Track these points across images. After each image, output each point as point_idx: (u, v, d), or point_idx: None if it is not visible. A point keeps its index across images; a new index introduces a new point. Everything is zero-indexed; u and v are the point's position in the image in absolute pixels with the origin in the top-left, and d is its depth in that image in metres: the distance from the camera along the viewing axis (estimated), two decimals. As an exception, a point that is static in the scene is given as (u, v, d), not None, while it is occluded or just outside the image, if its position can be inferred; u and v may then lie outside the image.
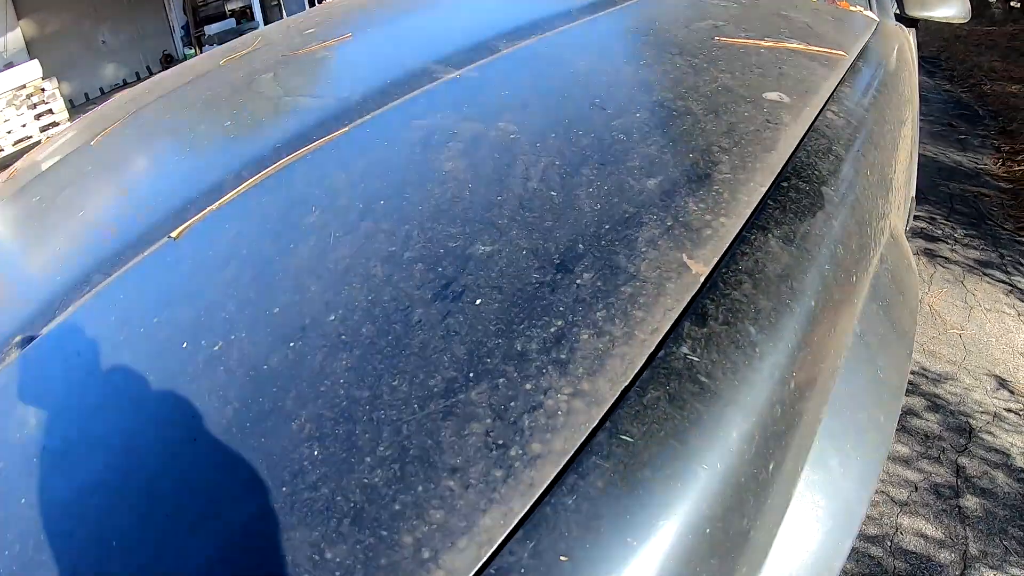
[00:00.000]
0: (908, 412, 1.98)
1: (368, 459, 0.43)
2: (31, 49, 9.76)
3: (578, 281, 0.52)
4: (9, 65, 9.32)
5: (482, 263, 0.55)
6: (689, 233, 0.57)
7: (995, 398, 2.12)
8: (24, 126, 7.46)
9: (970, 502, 1.73)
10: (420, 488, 0.41)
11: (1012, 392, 2.15)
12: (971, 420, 2.01)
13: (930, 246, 3.06)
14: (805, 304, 0.54)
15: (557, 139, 0.71)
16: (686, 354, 0.47)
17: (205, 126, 1.02)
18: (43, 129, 7.56)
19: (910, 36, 1.61)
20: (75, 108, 8.45)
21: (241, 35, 8.27)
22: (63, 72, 9.34)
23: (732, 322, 0.50)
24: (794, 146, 0.70)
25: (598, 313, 0.49)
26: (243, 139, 0.90)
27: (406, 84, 0.91)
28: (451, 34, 1.14)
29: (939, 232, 3.20)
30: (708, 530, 0.41)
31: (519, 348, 0.48)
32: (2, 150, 7.20)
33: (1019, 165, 4.34)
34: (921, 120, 5.12)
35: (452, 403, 0.44)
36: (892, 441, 0.67)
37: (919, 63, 6.13)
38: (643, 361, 0.47)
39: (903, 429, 1.93)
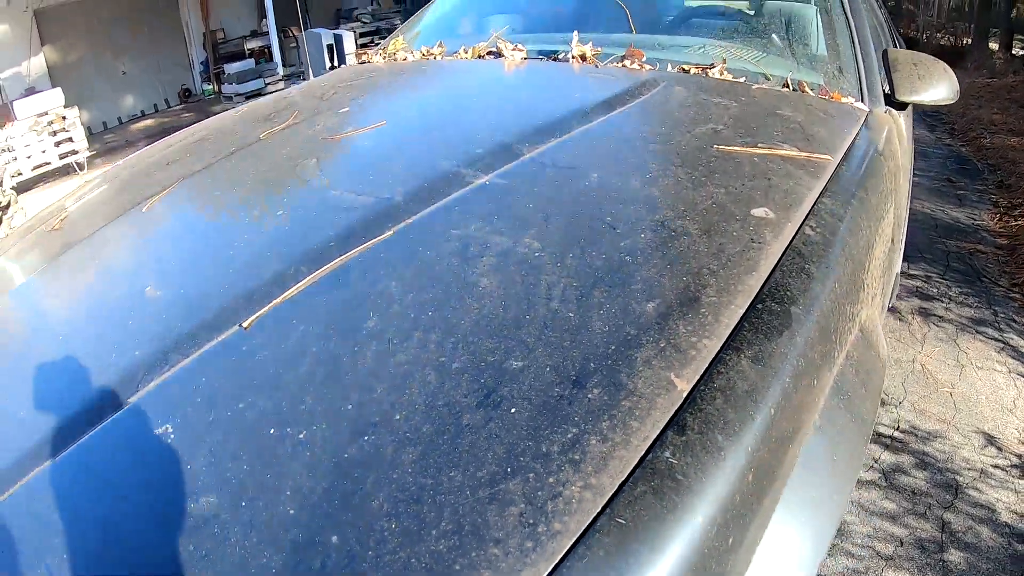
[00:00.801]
0: (896, 469, 2.07)
1: (433, 532, 0.55)
2: (53, 75, 9.97)
3: (589, 396, 0.65)
4: (31, 90, 9.55)
5: (516, 377, 0.68)
6: (678, 354, 0.70)
7: (983, 455, 2.21)
8: (44, 152, 7.61)
9: (954, 556, 1.81)
10: (473, 554, 0.54)
11: (1000, 449, 2.24)
12: (958, 477, 2.09)
13: (925, 305, 3.16)
14: (766, 413, 0.67)
15: (574, 259, 0.84)
16: (667, 457, 0.61)
17: (258, 212, 1.13)
18: (62, 156, 7.72)
19: (900, 119, 1.75)
20: (93, 135, 8.64)
21: (260, 76, 8.45)
22: (83, 100, 9.55)
23: (704, 432, 0.63)
24: (772, 267, 0.83)
25: (604, 423, 0.62)
26: (297, 232, 1.02)
27: (441, 188, 1.04)
28: (477, 132, 1.27)
29: (935, 291, 3.32)
30: None
31: (544, 449, 0.61)
32: (21, 174, 7.35)
33: (1016, 220, 4.48)
34: (920, 176, 5.27)
35: (495, 491, 0.57)
36: (846, 509, 0.80)
37: (919, 117, 6.25)
38: (636, 462, 0.60)
39: (891, 486, 2.01)
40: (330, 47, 6.44)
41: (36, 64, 9.81)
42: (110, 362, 0.89)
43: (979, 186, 5.30)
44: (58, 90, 7.99)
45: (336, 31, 7.51)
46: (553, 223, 0.92)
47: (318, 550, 0.56)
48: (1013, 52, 13.42)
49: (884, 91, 1.64)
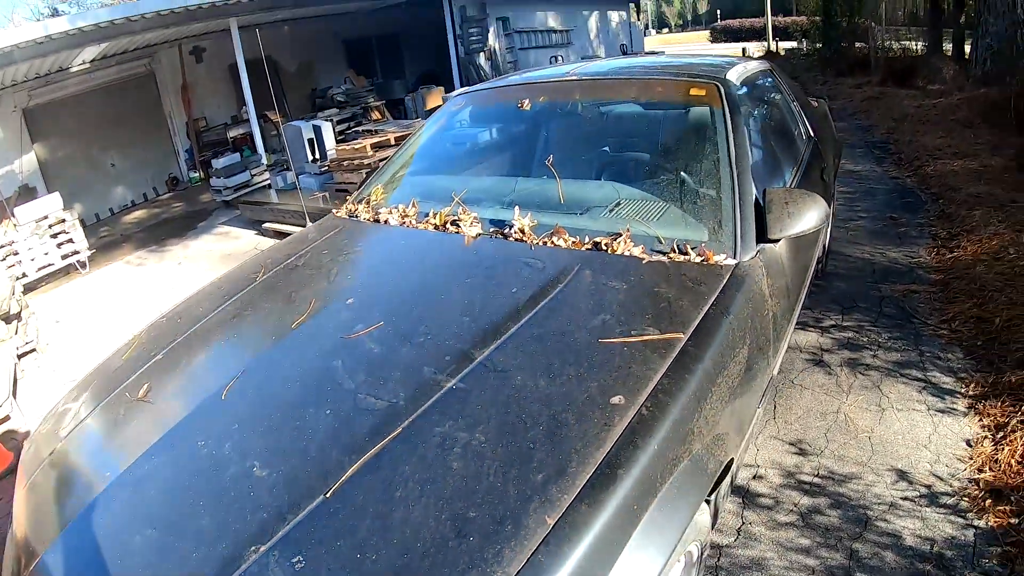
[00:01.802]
0: (813, 511, 2.53)
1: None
2: (44, 171, 10.51)
3: (502, 517, 1.26)
4: (24, 187, 10.11)
5: (470, 515, 1.28)
6: (548, 504, 1.28)
7: (893, 489, 2.60)
8: (47, 254, 8.01)
9: None
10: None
11: (910, 482, 2.63)
12: (868, 511, 2.51)
13: (854, 355, 3.57)
14: (593, 535, 1.26)
15: (501, 445, 1.43)
16: (540, 559, 1.19)
17: (312, 408, 1.69)
18: (64, 257, 8.13)
19: (776, 248, 2.28)
20: (88, 228, 9.07)
21: (246, 168, 8.99)
22: (75, 194, 10.07)
23: (557, 546, 1.22)
24: (613, 442, 1.40)
25: (507, 533, 1.24)
26: (344, 427, 1.60)
27: (426, 392, 1.62)
28: (446, 336, 1.84)
29: (865, 339, 3.72)
30: None
31: (470, 532, 1.20)
32: (26, 275, 7.76)
33: (951, 251, 4.79)
34: (863, 218, 5.79)
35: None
36: None
37: (867, 152, 6.73)
38: (525, 559, 1.20)
39: (807, 525, 2.47)
40: (311, 140, 7.03)
41: (27, 161, 10.37)
42: (216, 535, 1.42)
43: (920, 219, 5.65)
44: (56, 195, 8.47)
45: (315, 122, 8.08)
46: (492, 420, 1.50)
47: None
48: (964, 57, 14.03)
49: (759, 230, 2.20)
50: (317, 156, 7.09)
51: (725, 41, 40.85)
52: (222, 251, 7.91)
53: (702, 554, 1.80)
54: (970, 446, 2.82)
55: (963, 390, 3.20)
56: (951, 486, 2.61)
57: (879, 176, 7.21)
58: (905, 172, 7.22)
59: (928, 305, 4.09)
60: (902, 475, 2.68)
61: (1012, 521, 2.38)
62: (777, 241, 2.25)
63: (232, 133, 11.87)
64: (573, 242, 2.25)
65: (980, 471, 2.65)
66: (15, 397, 4.72)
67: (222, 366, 2.13)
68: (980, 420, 2.96)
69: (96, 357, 5.23)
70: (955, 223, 5.38)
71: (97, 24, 8.56)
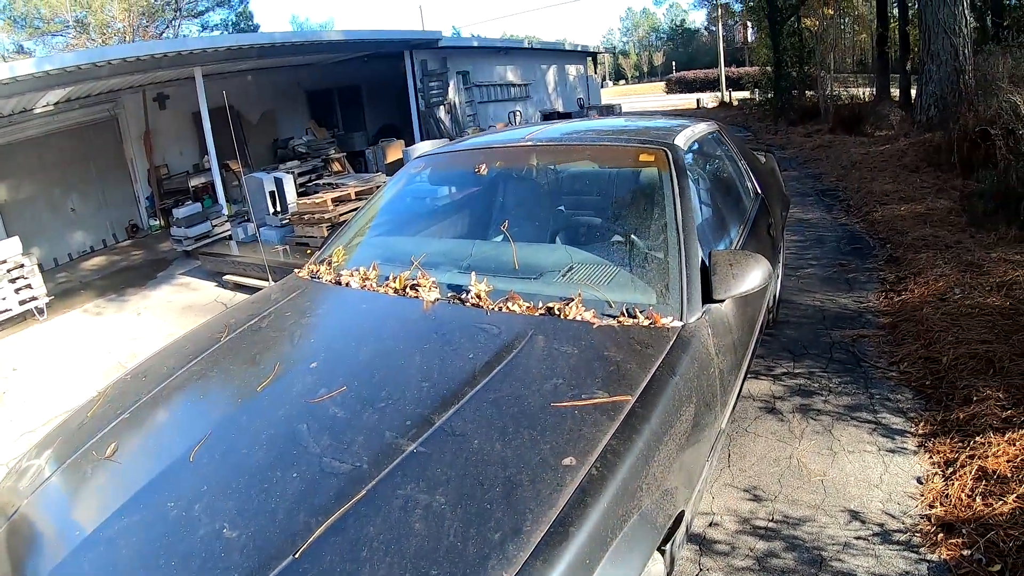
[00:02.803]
0: (769, 554, 2.61)
1: None
2: (3, 212, 10.37)
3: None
4: (-20, 230, 9.96)
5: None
6: (505, 561, 1.35)
7: (847, 529, 2.68)
8: (4, 299, 7.86)
9: None
10: None
11: (863, 522, 2.71)
12: (823, 552, 2.58)
13: (805, 402, 3.69)
14: None
15: (461, 507, 1.51)
16: None
17: (278, 471, 1.75)
18: (22, 303, 7.99)
19: (722, 307, 2.41)
20: (45, 272, 8.92)
21: (207, 219, 9.01)
22: (33, 236, 9.95)
23: None
24: (565, 502, 1.49)
25: None
26: (297, 491, 1.66)
27: (389, 455, 1.70)
28: (406, 401, 1.92)
29: (816, 385, 3.85)
30: None
31: None
32: None
33: (899, 294, 4.98)
34: (813, 265, 5.98)
35: None
36: None
37: (818, 200, 6.96)
38: None
39: (763, 568, 2.55)
40: (272, 193, 7.09)
41: (-16, 203, 10.26)
42: None
43: (869, 264, 5.88)
44: (15, 239, 8.36)
45: (276, 174, 8.14)
46: (452, 483, 1.59)
47: None
48: (912, 101, 14.56)
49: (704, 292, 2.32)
50: (278, 208, 7.14)
51: (680, 92, 42.02)
52: (182, 302, 7.88)
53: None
54: (921, 483, 2.91)
55: (913, 429, 3.32)
56: (903, 523, 2.70)
57: (829, 223, 7.45)
58: (854, 218, 7.49)
59: (877, 348, 4.24)
60: (855, 515, 2.77)
61: (964, 553, 2.46)
62: (722, 301, 2.38)
63: (194, 182, 11.90)
64: (527, 307, 2.35)
65: (931, 507, 2.75)
66: (-30, 446, 4.66)
67: (189, 427, 2.16)
68: (930, 457, 3.07)
69: (54, 408, 5.27)
70: (903, 267, 5.59)
71: (64, 68, 8.59)
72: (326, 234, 7.70)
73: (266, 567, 1.47)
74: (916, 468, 3.03)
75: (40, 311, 8.10)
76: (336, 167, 13.09)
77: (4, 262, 7.97)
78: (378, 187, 8.55)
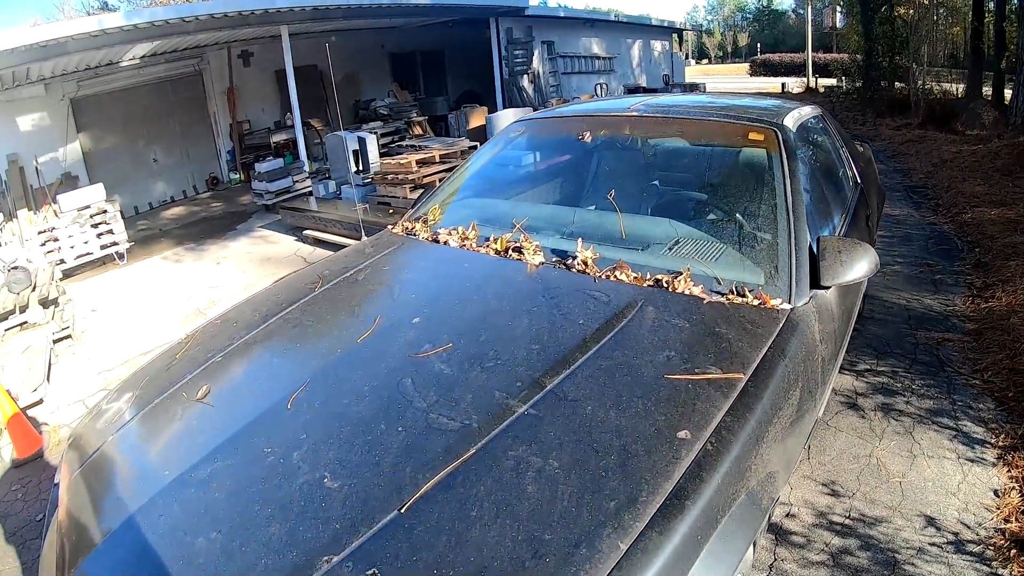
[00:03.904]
0: (843, 551, 2.60)
1: None
2: (87, 161, 10.76)
3: (580, 539, 1.33)
4: (67, 175, 10.35)
5: (543, 536, 1.35)
6: (620, 529, 1.35)
7: (921, 535, 2.66)
8: (86, 243, 8.18)
9: None
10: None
11: (938, 528, 2.69)
12: (897, 554, 2.57)
13: (888, 401, 3.62)
14: (664, 555, 1.33)
15: (574, 471, 1.51)
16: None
17: (384, 425, 1.76)
18: (103, 247, 8.28)
19: (827, 295, 2.37)
20: (126, 220, 9.23)
21: (288, 175, 9.19)
22: (116, 185, 10.29)
23: (637, 562, 1.30)
24: (681, 474, 1.48)
25: (583, 551, 1.30)
26: (417, 444, 1.67)
27: (499, 416, 1.70)
28: (517, 364, 1.91)
29: (898, 385, 3.78)
30: None
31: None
32: (64, 263, 7.94)
33: (986, 301, 4.81)
34: (900, 263, 5.82)
35: None
36: None
37: (906, 196, 6.70)
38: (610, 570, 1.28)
39: (837, 565, 2.54)
40: (355, 152, 7.17)
41: (72, 150, 10.63)
42: (289, 542, 1.47)
43: (956, 267, 5.69)
44: (99, 185, 8.64)
45: (360, 134, 8.20)
46: (565, 447, 1.59)
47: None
48: (1004, 102, 13.96)
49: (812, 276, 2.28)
50: (360, 168, 7.22)
51: (764, 75, 40.75)
52: (261, 254, 8.06)
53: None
54: (998, 496, 2.86)
55: (993, 440, 3.24)
56: (978, 534, 2.66)
57: (916, 221, 7.22)
58: (942, 218, 7.24)
59: (961, 354, 4.13)
60: (931, 521, 2.75)
61: None
62: (828, 288, 2.34)
63: (275, 138, 12.13)
64: (635, 277, 2.34)
65: (1007, 521, 2.70)
66: (48, 382, 4.88)
67: (285, 374, 2.18)
68: (1008, 471, 3.01)
69: (131, 349, 5.44)
70: (991, 273, 5.40)
71: (152, 23, 8.82)
72: (409, 195, 7.79)
73: (369, 520, 1.48)
74: (994, 480, 2.97)
75: (120, 256, 8.39)
76: (417, 130, 13.18)
77: (88, 207, 8.28)
78: (463, 151, 8.57)
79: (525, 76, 15.41)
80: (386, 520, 1.48)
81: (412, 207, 3.53)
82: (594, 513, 1.41)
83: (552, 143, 3.70)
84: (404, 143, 10.19)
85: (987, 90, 15.22)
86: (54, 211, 8.50)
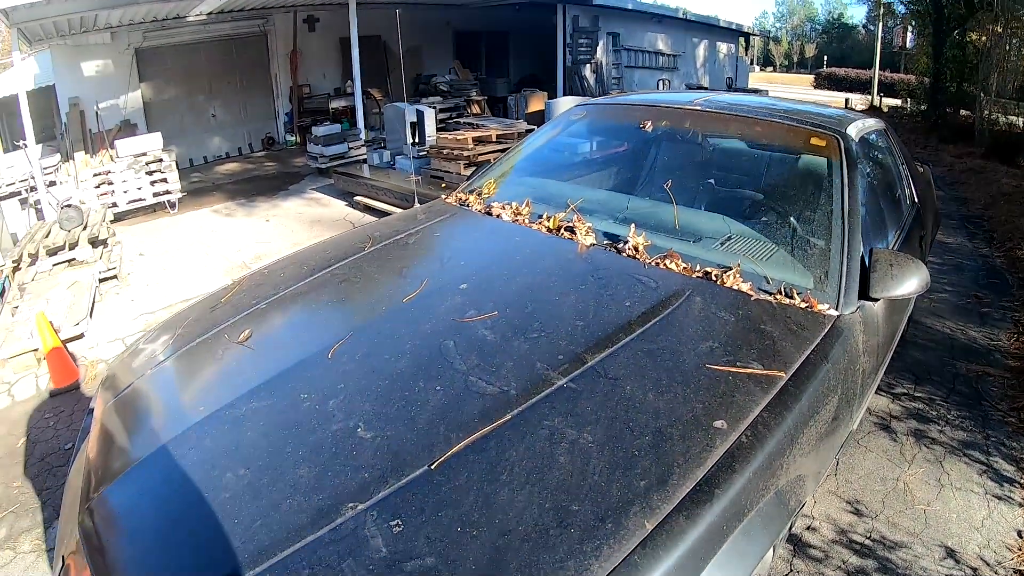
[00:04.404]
0: (859, 570, 2.57)
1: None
2: (147, 110, 10.97)
3: (610, 512, 1.33)
4: (126, 122, 10.57)
5: (573, 504, 1.36)
6: (649, 510, 1.35)
7: (940, 565, 2.62)
8: (139, 189, 8.37)
9: None
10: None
11: (957, 561, 2.65)
12: None
13: (921, 427, 3.56)
14: (691, 541, 1.33)
15: (607, 448, 1.51)
16: (640, 552, 1.28)
17: (422, 383, 1.77)
18: (156, 195, 8.46)
19: (874, 307, 2.34)
20: (180, 171, 9.40)
21: (344, 140, 9.25)
22: (173, 136, 10.47)
23: (663, 543, 1.29)
24: (713, 463, 1.48)
25: (608, 527, 1.30)
26: (452, 406, 1.68)
27: (537, 387, 1.71)
28: (559, 337, 1.92)
29: (934, 413, 3.70)
30: None
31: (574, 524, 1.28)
32: (116, 206, 8.13)
33: None
34: (949, 291, 5.70)
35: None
36: None
37: (961, 224, 6.53)
38: (631, 549, 1.27)
39: None
40: (413, 124, 7.21)
41: (132, 99, 10.83)
42: (330, 487, 1.50)
43: (1005, 302, 5.54)
44: (157, 134, 8.83)
45: (418, 107, 8.29)
46: (600, 423, 1.59)
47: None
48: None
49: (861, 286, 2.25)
50: (416, 140, 7.27)
51: (828, 88, 39.77)
52: (311, 215, 8.14)
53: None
54: (1021, 537, 2.82)
55: (1022, 480, 3.19)
56: (996, 573, 2.63)
57: (969, 251, 7.05)
58: (996, 252, 7.07)
59: (1001, 390, 4.04)
60: (951, 553, 2.71)
61: None
62: (877, 300, 2.31)
63: (334, 104, 12.24)
64: (684, 268, 2.33)
65: None
66: (91, 318, 5.01)
67: (328, 326, 2.21)
68: None
69: (175, 294, 5.55)
70: (1039, 313, 5.25)
71: (222, -22, 8.91)
72: (463, 171, 7.83)
73: (399, 472, 1.50)
74: (1019, 521, 2.91)
75: (172, 205, 8.56)
76: (475, 109, 13.21)
77: (144, 154, 8.48)
78: (520, 133, 8.56)
79: (588, 65, 15.34)
80: (415, 474, 1.49)
81: (467, 180, 3.55)
82: (623, 490, 1.42)
83: (612, 129, 3.70)
84: (462, 120, 10.21)
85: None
86: (110, 156, 8.71)
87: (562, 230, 2.68)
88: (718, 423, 1.60)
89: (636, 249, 2.44)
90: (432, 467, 1.51)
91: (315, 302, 2.39)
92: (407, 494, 1.45)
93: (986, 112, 15.40)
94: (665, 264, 2.36)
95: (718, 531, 1.39)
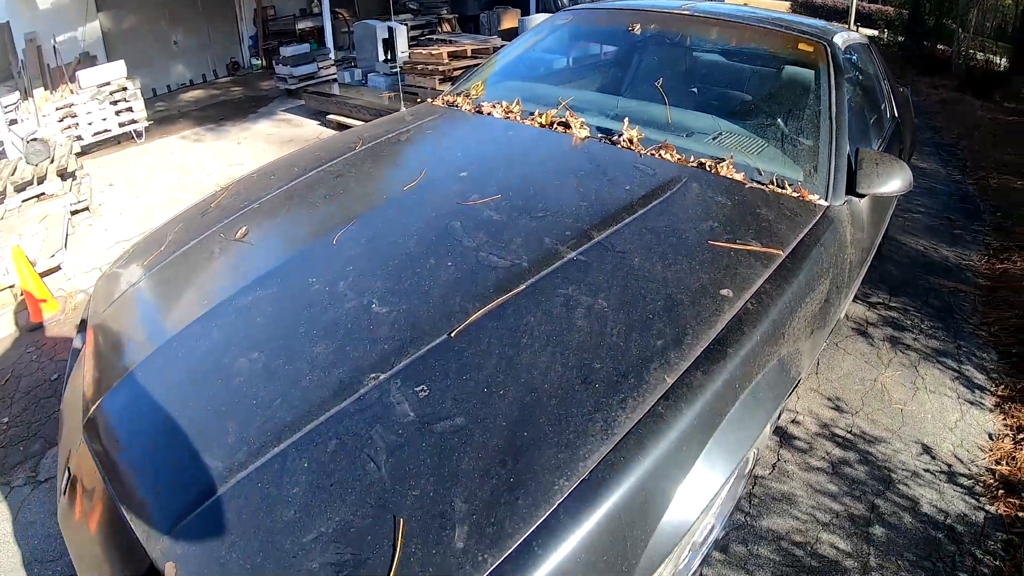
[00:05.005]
0: (842, 462, 2.72)
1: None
2: (107, 41, 10.57)
3: (623, 376, 1.39)
4: (85, 54, 10.22)
5: (591, 367, 1.41)
6: (667, 365, 1.43)
7: (917, 460, 2.79)
8: (104, 120, 8.11)
9: (878, 531, 2.44)
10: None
11: (933, 457, 2.82)
12: (892, 473, 2.70)
13: (896, 334, 3.73)
14: (708, 397, 1.40)
15: (622, 312, 1.58)
16: (659, 410, 1.34)
17: (433, 260, 1.80)
18: (121, 125, 8.22)
19: (860, 203, 2.42)
20: (144, 101, 9.17)
21: (314, 60, 9.00)
22: (135, 66, 10.08)
23: (676, 402, 1.35)
24: (723, 326, 1.56)
25: (628, 388, 1.37)
26: (468, 278, 1.72)
27: (549, 259, 1.75)
28: (564, 216, 1.96)
29: (908, 323, 3.87)
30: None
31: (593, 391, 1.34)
32: (81, 139, 7.90)
33: (1001, 263, 4.91)
34: (921, 212, 5.85)
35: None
36: (748, 449, 1.52)
37: (935, 152, 6.68)
38: (644, 413, 1.34)
39: (836, 474, 2.66)
40: (385, 41, 7.04)
41: (91, 29, 10.41)
42: (353, 357, 1.54)
43: (976, 226, 5.73)
44: (121, 62, 8.53)
45: (390, 23, 8.14)
46: (613, 291, 1.65)
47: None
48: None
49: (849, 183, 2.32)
50: (389, 57, 7.11)
51: (805, 15, 39.49)
52: (284, 136, 7.99)
53: (752, 467, 1.96)
54: (991, 439, 2.99)
55: (992, 388, 3.37)
56: (969, 470, 2.80)
57: (943, 177, 7.20)
58: (968, 179, 7.24)
59: (971, 306, 4.24)
60: (927, 449, 2.88)
61: (1020, 514, 2.58)
62: (862, 197, 2.39)
63: (301, 25, 11.88)
64: (679, 158, 2.38)
65: (997, 463, 2.84)
66: (65, 249, 4.90)
67: (328, 217, 2.20)
68: (1004, 419, 3.13)
69: (150, 221, 5.46)
70: (1009, 238, 5.48)
71: None
72: (438, 86, 7.72)
73: (418, 342, 1.53)
74: (989, 424, 3.10)
75: (138, 134, 8.33)
76: (446, 27, 12.95)
77: (107, 84, 8.20)
78: (495, 48, 8.45)
79: (559, -17, 15.07)
80: (435, 343, 1.53)
81: (452, 84, 3.55)
82: (641, 349, 1.48)
83: (599, 33, 3.71)
84: (435, 37, 9.99)
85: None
86: (71, 89, 8.42)
87: (555, 125, 2.70)
88: (724, 291, 1.67)
89: (631, 141, 2.48)
90: (452, 335, 1.55)
91: (311, 197, 2.37)
92: (429, 361, 1.49)
93: (963, 48, 15.50)
94: (660, 154, 2.40)
95: (731, 388, 1.46)
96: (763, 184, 2.25)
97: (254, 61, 12.00)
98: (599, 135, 2.62)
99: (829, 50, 2.77)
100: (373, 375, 1.47)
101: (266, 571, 1.17)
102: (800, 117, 2.60)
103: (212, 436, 1.44)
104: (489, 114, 2.92)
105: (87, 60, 10.04)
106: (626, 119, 2.58)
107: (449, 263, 1.79)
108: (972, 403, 3.23)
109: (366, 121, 7.38)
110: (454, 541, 1.17)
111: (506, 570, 1.13)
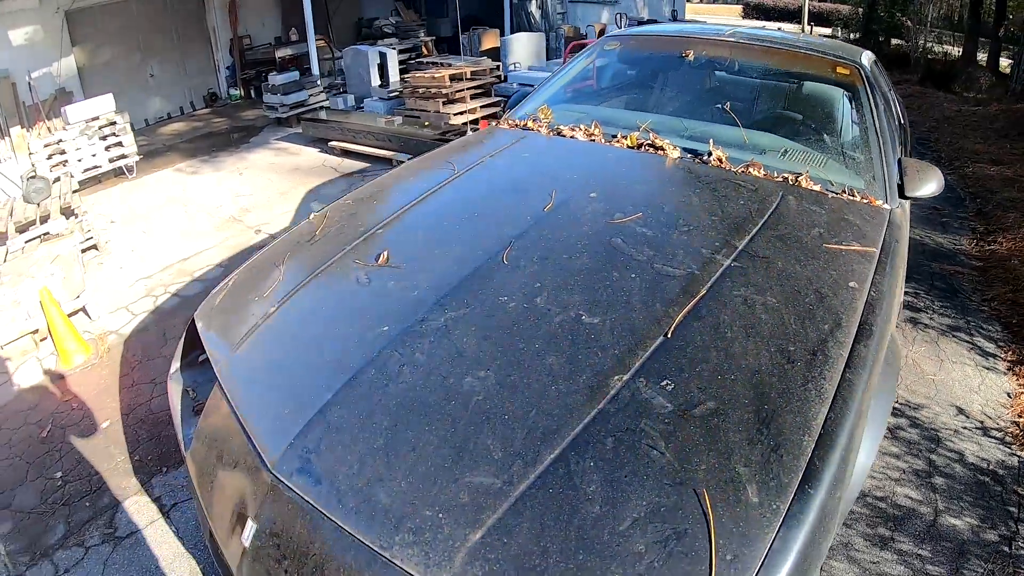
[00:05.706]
0: (897, 428, 3.23)
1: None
2: (82, 76, 10.65)
3: (776, 383, 1.71)
4: (61, 90, 10.30)
5: (764, 364, 1.82)
6: (821, 356, 1.76)
7: (955, 420, 3.34)
8: (95, 155, 8.13)
9: (938, 480, 2.94)
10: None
11: (967, 416, 3.38)
12: (939, 432, 3.24)
13: (914, 315, 4.32)
14: (864, 375, 1.74)
15: (791, 304, 1.96)
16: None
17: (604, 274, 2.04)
18: (112, 160, 8.22)
19: (905, 205, 2.87)
20: None
21: (303, 88, 9.24)
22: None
23: (845, 386, 1.72)
24: (860, 311, 1.94)
25: (792, 384, 1.76)
26: (643, 288, 1.97)
27: (710, 267, 2.07)
28: (701, 228, 2.29)
29: (922, 304, 4.48)
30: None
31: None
32: (72, 176, 7.96)
33: (989, 245, 5.58)
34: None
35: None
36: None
37: (914, 144, 7.19)
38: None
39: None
40: (380, 66, 7.29)
41: (66, 65, 10.45)
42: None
43: (961, 214, 6.39)
44: (109, 96, 8.59)
45: (380, 49, 8.38)
46: (773, 289, 1.98)
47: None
48: (1000, 70, 14.63)
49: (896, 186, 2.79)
50: (384, 82, 7.36)
51: (757, 18, 39.97)
52: (286, 164, 8.16)
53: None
54: (1010, 397, 3.60)
55: (1002, 355, 4.00)
56: (997, 424, 3.37)
57: (923, 170, 7.76)
58: (946, 169, 7.80)
59: (971, 285, 4.88)
60: (960, 410, 3.46)
61: None
62: (908, 200, 2.87)
63: (280, 53, 12.13)
64: (765, 174, 2.77)
65: (1020, 416, 3.43)
66: (85, 289, 4.83)
67: (472, 238, 2.27)
68: (1017, 379, 3.76)
69: (168, 256, 5.79)
70: (992, 222, 6.14)
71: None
72: (442, 109, 8.01)
73: (642, 345, 1.73)
74: (1006, 385, 3.71)
75: (130, 169, 8.34)
76: (424, 51, 13.29)
77: (96, 119, 8.24)
78: (490, 70, 8.75)
79: (533, 2, 15.54)
80: (656, 344, 1.74)
81: (506, 109, 3.82)
82: (816, 331, 1.83)
83: (648, 59, 4.03)
84: (424, 60, 10.24)
85: (981, 56, 15.78)
86: (58, 126, 8.41)
87: (643, 147, 3.02)
88: (852, 284, 2.07)
89: (720, 160, 2.86)
90: (668, 335, 1.77)
91: (437, 220, 2.44)
92: (659, 360, 1.69)
93: (920, 41, 16.24)
94: (750, 172, 2.78)
95: (878, 359, 1.83)
96: (837, 193, 2.68)
97: (232, 91, 12.21)
98: (688, 155, 2.95)
99: (863, 71, 3.25)
100: (616, 377, 1.64)
101: (589, 564, 1.29)
102: (851, 132, 3.07)
103: (474, 456, 1.49)
104: (572, 137, 3.20)
105: (63, 96, 10.12)
106: (711, 140, 2.94)
107: (632, 275, 2.03)
108: (988, 369, 3.84)
109: (374, 145, 7.71)
110: (750, 498, 1.38)
111: (794, 510, 1.36)
